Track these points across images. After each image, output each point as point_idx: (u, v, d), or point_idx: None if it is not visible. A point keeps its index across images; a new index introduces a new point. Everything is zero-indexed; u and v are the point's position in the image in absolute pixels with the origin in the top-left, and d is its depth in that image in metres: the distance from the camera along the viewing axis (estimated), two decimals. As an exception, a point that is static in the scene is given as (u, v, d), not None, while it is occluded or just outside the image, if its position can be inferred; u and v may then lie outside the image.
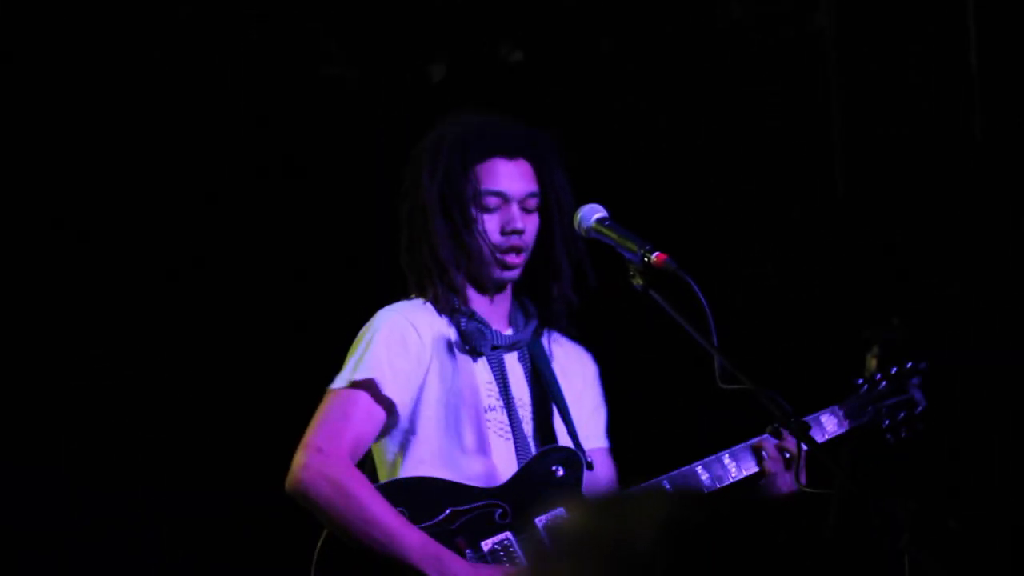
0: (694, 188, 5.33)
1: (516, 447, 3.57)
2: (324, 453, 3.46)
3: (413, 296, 3.66)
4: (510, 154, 3.65)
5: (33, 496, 5.26)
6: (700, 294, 3.26)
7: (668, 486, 3.50)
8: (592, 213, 3.47)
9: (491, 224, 3.60)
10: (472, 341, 3.57)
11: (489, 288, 3.66)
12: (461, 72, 5.58)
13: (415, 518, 3.43)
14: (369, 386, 3.50)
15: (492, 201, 3.61)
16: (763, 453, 3.55)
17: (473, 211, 3.60)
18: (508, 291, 3.70)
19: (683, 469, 3.56)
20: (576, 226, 3.49)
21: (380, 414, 3.52)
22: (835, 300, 5.13)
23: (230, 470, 5.35)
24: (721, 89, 5.32)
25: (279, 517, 5.41)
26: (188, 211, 5.42)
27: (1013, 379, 4.90)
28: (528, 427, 3.63)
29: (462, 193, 3.60)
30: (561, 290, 3.69)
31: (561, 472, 3.56)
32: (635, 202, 3.87)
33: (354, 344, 3.59)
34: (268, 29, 5.43)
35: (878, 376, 3.80)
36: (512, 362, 3.67)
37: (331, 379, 3.59)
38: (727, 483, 3.56)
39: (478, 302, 3.65)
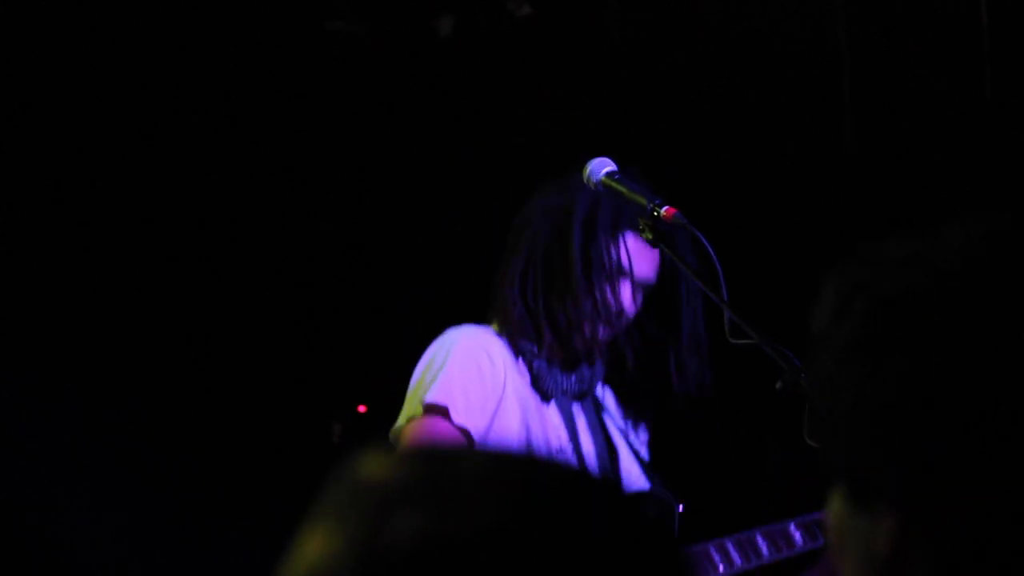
0: (703, 145, 5.31)
1: None
2: None
3: (486, 325, 3.56)
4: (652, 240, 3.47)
5: (32, 493, 5.23)
6: (710, 248, 3.23)
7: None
8: (601, 167, 3.43)
9: (613, 296, 3.50)
10: (543, 384, 3.50)
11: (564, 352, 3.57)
12: (469, 26, 5.55)
13: None
14: (443, 412, 3.35)
15: (622, 276, 3.51)
16: None
17: (604, 277, 3.49)
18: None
19: (741, 536, 3.48)
20: (584, 180, 3.45)
21: (460, 441, 3.36)
22: (843, 257, 5.12)
23: (227, 471, 5.37)
24: (730, 48, 5.30)
25: (277, 518, 5.45)
26: (191, 177, 5.39)
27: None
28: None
29: (605, 255, 3.49)
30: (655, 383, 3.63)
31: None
32: (643, 158, 3.83)
33: (425, 367, 3.45)
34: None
35: None
36: (576, 411, 3.60)
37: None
38: (789, 554, 3.45)
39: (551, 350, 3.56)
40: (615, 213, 3.50)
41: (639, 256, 3.52)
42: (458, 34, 5.55)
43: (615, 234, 3.50)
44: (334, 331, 5.43)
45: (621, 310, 3.50)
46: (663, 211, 3.29)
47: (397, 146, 5.49)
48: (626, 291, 3.51)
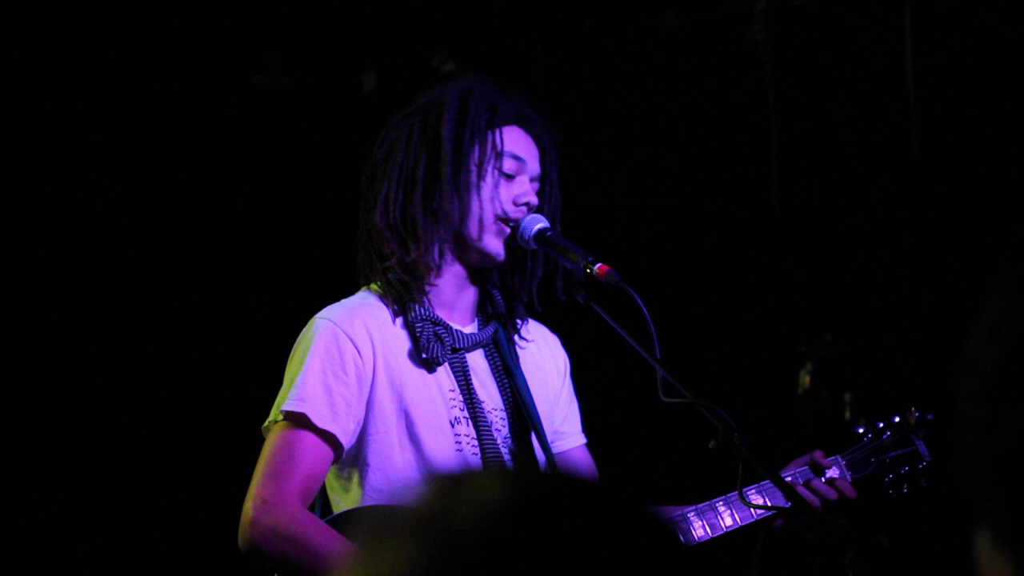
0: (630, 203, 5.31)
1: (484, 464, 3.27)
2: (269, 504, 3.12)
3: (365, 289, 3.39)
4: (528, 128, 3.44)
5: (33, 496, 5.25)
6: (643, 306, 3.20)
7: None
8: (533, 223, 3.40)
9: (504, 191, 3.37)
10: (429, 351, 3.29)
11: (461, 271, 3.40)
12: (393, 82, 5.53)
13: None
14: (303, 420, 3.19)
15: (511, 166, 3.38)
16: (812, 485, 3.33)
17: (490, 171, 3.36)
18: (474, 283, 3.44)
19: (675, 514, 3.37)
20: (517, 237, 3.41)
21: (325, 448, 3.20)
22: (769, 315, 5.12)
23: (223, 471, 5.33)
24: (657, 103, 5.30)
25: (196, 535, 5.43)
26: (116, 221, 5.37)
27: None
28: (500, 434, 3.36)
29: (484, 149, 3.36)
30: (528, 290, 3.48)
31: None
32: (572, 214, 3.82)
33: (290, 360, 3.28)
34: (201, 36, 5.37)
35: (880, 425, 3.52)
36: (476, 360, 3.41)
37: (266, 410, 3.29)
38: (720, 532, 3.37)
39: (442, 288, 3.38)
40: (489, 107, 3.38)
41: (524, 146, 3.41)
42: (382, 89, 5.53)
43: (491, 127, 3.37)
44: (257, 359, 5.40)
45: (527, 203, 3.38)
46: (596, 268, 3.27)
47: (322, 198, 5.47)
48: (510, 186, 3.38)
